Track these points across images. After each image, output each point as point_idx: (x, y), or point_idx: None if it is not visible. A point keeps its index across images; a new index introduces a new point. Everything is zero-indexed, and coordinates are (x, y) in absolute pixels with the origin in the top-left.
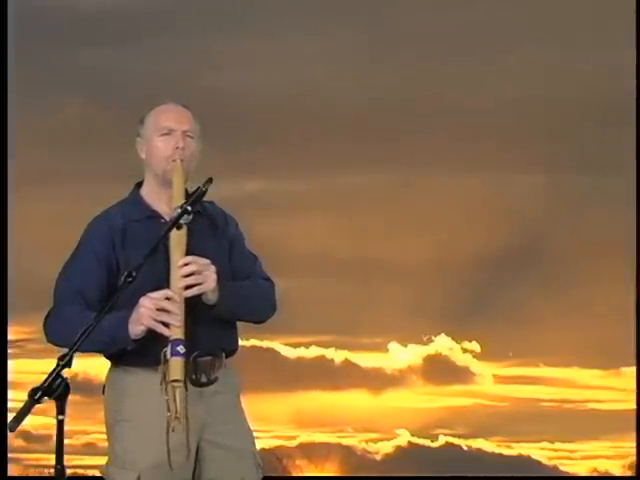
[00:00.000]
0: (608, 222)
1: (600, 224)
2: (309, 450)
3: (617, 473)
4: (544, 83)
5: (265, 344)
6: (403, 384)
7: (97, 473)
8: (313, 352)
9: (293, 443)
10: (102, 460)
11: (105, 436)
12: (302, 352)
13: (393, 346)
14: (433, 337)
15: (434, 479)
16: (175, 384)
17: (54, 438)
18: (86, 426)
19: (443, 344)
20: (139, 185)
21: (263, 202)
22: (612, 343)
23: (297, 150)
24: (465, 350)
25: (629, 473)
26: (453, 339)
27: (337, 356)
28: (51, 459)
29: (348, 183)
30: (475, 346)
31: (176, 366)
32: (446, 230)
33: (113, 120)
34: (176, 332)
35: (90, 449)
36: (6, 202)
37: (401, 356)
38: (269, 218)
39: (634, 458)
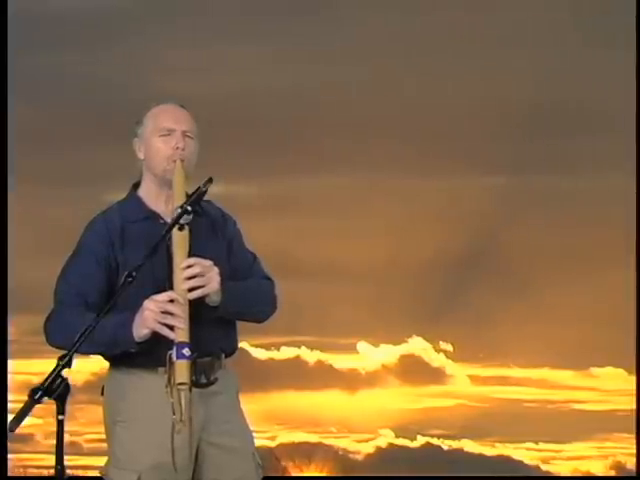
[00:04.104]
0: (582, 223)
1: (573, 225)
2: (289, 451)
3: (599, 473)
4: (511, 84)
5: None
6: (380, 385)
7: (84, 473)
8: (285, 353)
9: (272, 444)
10: (85, 460)
11: (87, 437)
12: (274, 354)
13: (367, 347)
14: (406, 338)
15: (420, 479)
16: (181, 387)
17: (36, 437)
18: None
19: (416, 345)
20: (136, 186)
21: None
22: (586, 344)
23: (255, 153)
24: (439, 350)
25: (612, 473)
26: (425, 339)
27: (311, 357)
28: (35, 459)
29: (324, 184)
30: (448, 347)
31: (182, 369)
32: (415, 231)
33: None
34: (181, 335)
35: (76, 449)
36: (6, 203)
37: (376, 357)
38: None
39: (616, 458)
